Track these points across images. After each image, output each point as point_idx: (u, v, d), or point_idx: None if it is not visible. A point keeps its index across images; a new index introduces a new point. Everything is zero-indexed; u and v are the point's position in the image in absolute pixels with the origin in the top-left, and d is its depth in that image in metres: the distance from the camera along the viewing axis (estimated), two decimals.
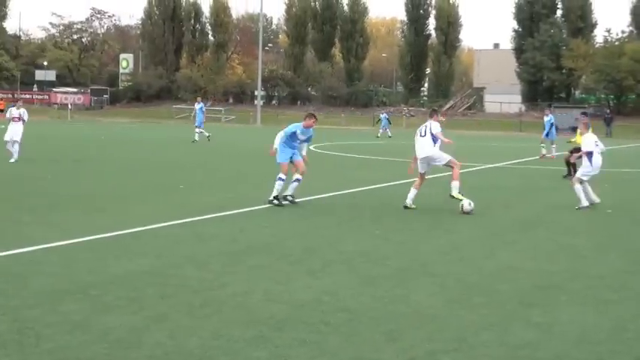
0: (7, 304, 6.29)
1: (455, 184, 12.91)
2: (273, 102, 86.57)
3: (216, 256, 8.50)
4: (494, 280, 7.69)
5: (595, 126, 61.56)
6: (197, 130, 33.04)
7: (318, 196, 14.31)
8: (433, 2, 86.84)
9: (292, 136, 13.18)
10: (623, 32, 76.57)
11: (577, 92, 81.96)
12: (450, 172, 13.36)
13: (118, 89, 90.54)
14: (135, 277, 7.41)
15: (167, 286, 7.01)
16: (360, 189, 15.91)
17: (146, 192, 14.99)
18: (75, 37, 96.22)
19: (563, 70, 75.47)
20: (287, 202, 12.89)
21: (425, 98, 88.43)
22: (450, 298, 6.90)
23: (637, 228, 11.89)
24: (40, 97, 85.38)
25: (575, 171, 19.11)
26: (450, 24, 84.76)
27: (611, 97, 74.54)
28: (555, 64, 74.49)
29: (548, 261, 8.81)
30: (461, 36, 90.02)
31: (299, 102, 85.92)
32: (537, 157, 26.77)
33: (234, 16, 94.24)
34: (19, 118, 20.84)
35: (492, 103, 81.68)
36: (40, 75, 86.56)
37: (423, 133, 13.27)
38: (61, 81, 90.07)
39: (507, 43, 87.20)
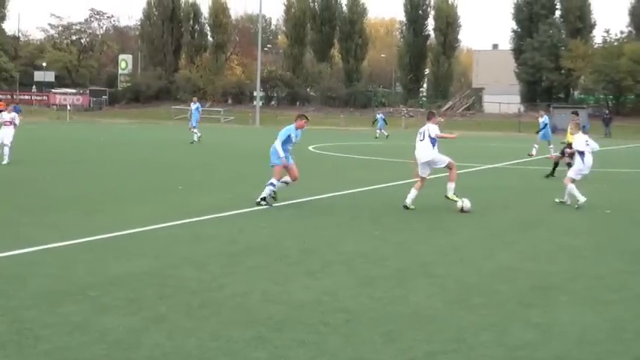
0: (6, 305, 6.28)
1: (451, 186, 13.10)
2: (272, 103, 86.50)
3: (214, 257, 8.50)
4: (494, 281, 7.69)
5: (594, 126, 61.64)
6: (194, 130, 33.02)
7: (318, 197, 14.31)
8: (432, 3, 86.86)
9: (287, 139, 13.21)
10: (621, 33, 76.66)
11: (576, 93, 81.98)
12: (448, 173, 13.42)
13: (117, 90, 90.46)
14: (133, 278, 7.40)
15: (166, 287, 7.01)
16: (359, 189, 15.90)
17: (145, 193, 14.99)
18: (74, 38, 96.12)
19: (562, 71, 75.49)
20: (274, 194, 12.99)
21: (424, 99, 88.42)
22: (449, 299, 6.90)
23: (636, 228, 11.90)
24: (38, 98, 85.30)
25: (555, 171, 19.35)
26: (448, 24, 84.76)
27: (610, 97, 74.58)
28: (554, 64, 74.53)
29: (547, 261, 8.81)
30: (460, 36, 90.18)
31: (298, 103, 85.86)
32: (533, 157, 26.76)
33: (233, 16, 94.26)
34: (11, 122, 20.81)
35: (491, 104, 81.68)
36: (38, 76, 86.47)
37: (422, 138, 13.36)
38: (59, 82, 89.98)
39: (506, 44, 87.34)
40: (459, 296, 7.02)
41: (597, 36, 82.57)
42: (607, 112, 66.37)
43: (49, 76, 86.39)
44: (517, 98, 79.31)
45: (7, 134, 20.62)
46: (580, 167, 13.87)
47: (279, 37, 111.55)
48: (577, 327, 6.08)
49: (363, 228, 10.96)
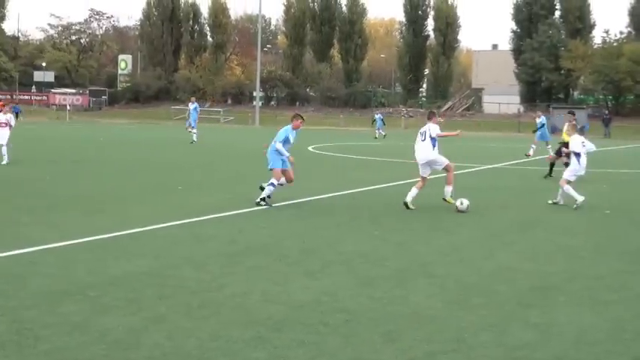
0: (6, 304, 6.29)
1: (448, 189, 13.28)
2: (272, 103, 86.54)
3: (214, 257, 8.50)
4: (493, 281, 7.70)
5: (593, 127, 61.54)
6: (193, 130, 33.00)
7: (317, 197, 14.31)
8: (432, 3, 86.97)
9: (285, 140, 13.22)
10: (621, 33, 76.73)
11: (575, 93, 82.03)
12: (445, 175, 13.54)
13: (117, 90, 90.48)
14: (133, 278, 7.41)
15: (165, 287, 7.01)
16: (358, 190, 15.91)
17: (145, 193, 14.99)
18: (73, 38, 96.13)
19: (562, 71, 75.54)
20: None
21: (423, 99, 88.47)
22: (449, 299, 6.91)
23: (635, 228, 11.90)
24: (38, 98, 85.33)
25: (552, 171, 19.44)
26: (448, 25, 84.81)
27: (610, 97, 74.62)
28: (554, 64, 74.58)
29: (546, 262, 8.81)
30: (459, 37, 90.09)
31: (298, 103, 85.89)
32: (530, 157, 26.76)
33: (232, 17, 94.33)
34: (6, 124, 20.79)
35: (491, 104, 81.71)
36: (38, 76, 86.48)
37: (423, 138, 13.43)
38: (59, 82, 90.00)
39: (506, 44, 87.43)
40: (459, 296, 7.02)
41: (597, 36, 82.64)
42: (606, 112, 66.41)
43: (49, 76, 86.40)
44: (517, 99, 79.37)
45: (2, 135, 20.61)
46: (576, 168, 13.92)
47: (278, 37, 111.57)
48: (576, 327, 6.09)
49: (362, 228, 10.97)
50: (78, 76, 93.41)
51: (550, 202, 14.19)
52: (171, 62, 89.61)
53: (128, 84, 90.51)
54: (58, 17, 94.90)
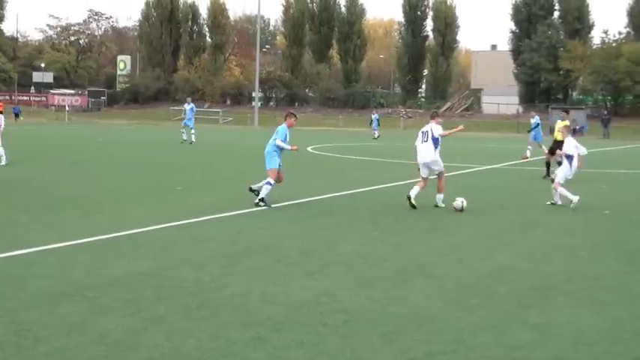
0: (5, 306, 6.29)
1: (440, 197, 13.47)
2: (271, 103, 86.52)
3: (213, 258, 8.50)
4: (492, 282, 7.70)
5: (592, 127, 61.48)
6: (191, 131, 32.97)
7: (316, 198, 14.31)
8: (430, 4, 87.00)
9: (285, 139, 13.32)
10: (620, 33, 76.82)
11: (574, 93, 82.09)
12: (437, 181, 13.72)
13: (116, 91, 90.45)
14: (132, 279, 7.40)
15: (164, 288, 7.01)
16: (358, 190, 15.91)
17: (144, 193, 14.99)
18: (72, 38, 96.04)
19: (561, 72, 75.58)
20: (256, 195, 13.09)
21: (422, 99, 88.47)
22: (448, 300, 6.91)
23: (634, 229, 11.90)
24: (37, 98, 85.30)
25: (550, 170, 19.50)
26: (447, 25, 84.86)
27: (609, 98, 74.68)
28: (553, 65, 74.62)
29: (545, 262, 8.82)
30: (458, 37, 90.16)
31: (297, 103, 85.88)
32: (523, 159, 26.75)
33: (231, 17, 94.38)
34: None
35: (490, 105, 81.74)
36: (37, 77, 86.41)
37: (425, 139, 13.49)
38: (58, 83, 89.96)
39: (505, 45, 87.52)
40: (458, 297, 7.02)
41: (596, 37, 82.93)
42: (605, 112, 66.43)
43: (48, 77, 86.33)
44: (515, 99, 79.42)
45: None
46: (567, 171, 14.05)
47: (277, 37, 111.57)
48: (575, 327, 6.09)
49: (361, 229, 10.97)
50: (77, 77, 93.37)
51: (548, 202, 14.21)
52: (170, 63, 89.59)
53: (127, 85, 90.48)
54: (56, 18, 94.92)
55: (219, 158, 26.32)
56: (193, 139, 32.43)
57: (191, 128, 33.05)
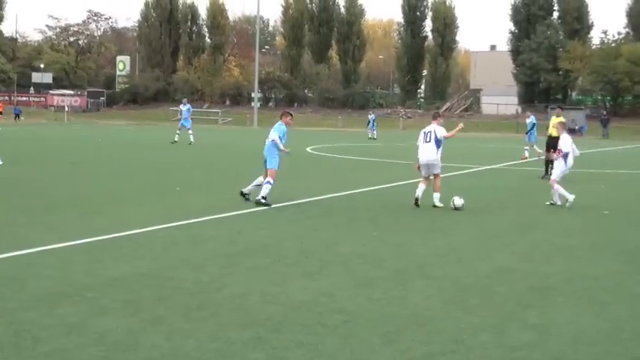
0: (4, 306, 6.28)
1: (437, 196, 13.51)
2: (270, 104, 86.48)
3: (213, 258, 8.50)
4: (492, 282, 7.70)
5: (592, 127, 61.45)
6: (189, 131, 32.97)
7: (316, 198, 14.32)
8: (430, 4, 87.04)
9: (282, 138, 13.40)
10: (619, 34, 76.88)
11: (574, 94, 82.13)
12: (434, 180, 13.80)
13: (115, 91, 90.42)
14: (131, 279, 7.40)
15: (164, 289, 7.01)
16: (357, 191, 15.92)
17: (143, 194, 14.98)
18: (71, 39, 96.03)
19: (560, 72, 75.61)
20: (246, 198, 13.26)
21: (422, 100, 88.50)
22: (447, 300, 6.91)
23: (633, 229, 11.91)
24: (36, 99, 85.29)
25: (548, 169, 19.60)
26: (446, 26, 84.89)
27: (608, 98, 74.70)
28: (552, 65, 74.65)
29: (544, 262, 8.82)
30: (457, 38, 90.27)
31: (296, 104, 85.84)
32: (527, 160, 26.79)
33: (230, 18, 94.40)
34: None
35: (489, 105, 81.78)
36: (36, 77, 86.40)
37: (428, 139, 13.57)
38: (57, 83, 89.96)
39: (504, 45, 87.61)
40: (457, 297, 7.03)
41: (595, 37, 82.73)
42: (605, 113, 66.43)
43: (47, 78, 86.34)
44: (515, 99, 79.47)
45: None
46: (562, 169, 14.08)
47: (276, 38, 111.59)
48: (574, 328, 6.10)
49: (361, 229, 10.97)
50: (76, 78, 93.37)
51: (548, 203, 14.21)
52: (170, 63, 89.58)
53: (126, 85, 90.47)
54: (56, 19, 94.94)
55: (218, 158, 26.32)
56: (192, 140, 32.41)
57: (188, 129, 33.03)
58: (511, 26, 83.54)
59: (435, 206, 13.35)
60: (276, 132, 13.33)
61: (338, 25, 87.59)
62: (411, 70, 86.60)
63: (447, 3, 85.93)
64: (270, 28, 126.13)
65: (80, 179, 17.47)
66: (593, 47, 76.34)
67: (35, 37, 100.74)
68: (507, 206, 14.17)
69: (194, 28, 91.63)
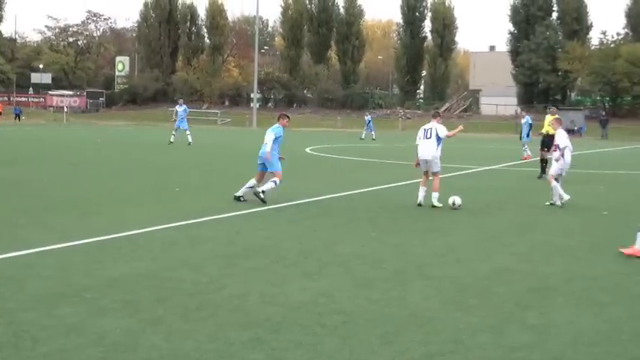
0: (3, 307, 6.28)
1: (435, 195, 13.51)
2: (269, 104, 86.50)
3: (212, 259, 8.50)
4: (491, 282, 7.70)
5: (591, 128, 61.50)
6: (187, 132, 32.98)
7: (315, 199, 14.32)
8: (429, 4, 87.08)
9: (279, 139, 13.48)
10: (618, 34, 76.90)
11: (573, 94, 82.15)
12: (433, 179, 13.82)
13: (114, 92, 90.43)
14: (131, 280, 7.40)
15: (163, 289, 7.01)
16: (356, 191, 15.92)
17: (142, 194, 14.98)
18: (71, 40, 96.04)
19: (559, 73, 75.65)
20: (242, 201, 13.36)
21: (421, 101, 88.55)
22: (446, 301, 6.91)
23: (632, 230, 11.87)
24: (35, 100, 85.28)
25: (544, 169, 19.65)
26: (445, 26, 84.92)
27: (607, 99, 74.73)
28: (551, 66, 74.67)
29: (544, 263, 8.82)
30: (457, 38, 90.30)
31: (295, 104, 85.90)
32: (523, 160, 26.82)
33: (229, 18, 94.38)
34: None
35: (488, 106, 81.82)
36: (35, 78, 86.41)
37: (428, 135, 13.63)
38: (56, 84, 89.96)
39: (503, 46, 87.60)
40: (456, 298, 7.03)
41: (594, 38, 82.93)
42: (604, 113, 66.50)
43: (46, 78, 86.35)
44: (514, 100, 79.50)
45: None
46: (562, 164, 14.02)
47: (276, 38, 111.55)
48: (574, 328, 6.10)
49: (360, 229, 10.97)
50: (75, 78, 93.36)
51: (547, 203, 14.21)
52: (169, 64, 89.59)
53: (125, 86, 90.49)
54: (55, 19, 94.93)
55: (217, 159, 26.33)
56: (190, 140, 32.42)
57: (185, 130, 33.03)
58: (510, 27, 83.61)
59: (433, 206, 13.35)
60: (273, 132, 13.42)
61: (337, 25, 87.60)
62: (410, 71, 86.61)
63: (446, 3, 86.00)
64: (270, 29, 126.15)
65: (79, 180, 17.46)
66: (593, 48, 76.39)
67: (34, 37, 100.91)
68: (506, 207, 14.17)
69: (193, 28, 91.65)
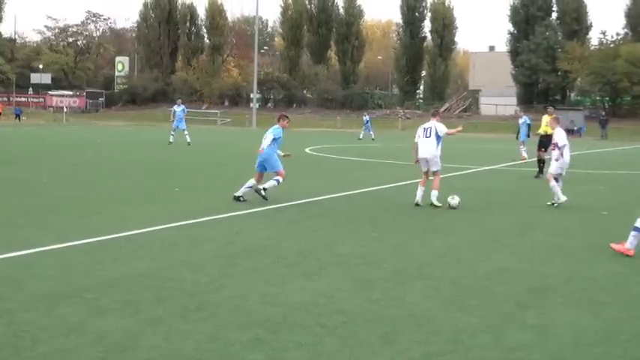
0: (3, 307, 6.28)
1: (434, 193, 13.50)
2: (269, 105, 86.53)
3: (211, 259, 8.49)
4: (491, 283, 7.70)
5: (590, 128, 61.47)
6: (185, 132, 33.00)
7: (315, 199, 14.32)
8: (428, 5, 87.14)
9: (278, 140, 13.57)
10: (617, 34, 76.92)
11: (572, 94, 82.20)
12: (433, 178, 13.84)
13: (114, 92, 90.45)
14: (130, 280, 7.40)
15: (163, 289, 7.01)
16: (356, 191, 15.92)
17: (142, 195, 14.98)
18: (70, 40, 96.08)
19: (559, 73, 75.69)
20: (241, 201, 13.44)
21: (420, 101, 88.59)
22: (446, 301, 6.91)
23: None
24: (35, 100, 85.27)
25: (542, 169, 19.69)
26: (445, 26, 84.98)
27: (607, 99, 74.76)
28: (551, 66, 74.71)
29: (543, 263, 8.82)
30: (456, 38, 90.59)
31: (294, 104, 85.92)
32: (522, 160, 26.81)
33: (229, 18, 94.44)
34: None
35: (488, 106, 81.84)
36: (35, 78, 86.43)
37: (428, 134, 13.62)
38: (56, 84, 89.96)
39: (503, 46, 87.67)
40: (456, 298, 7.03)
41: (593, 38, 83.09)
42: (603, 113, 66.51)
43: (46, 78, 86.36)
44: (513, 100, 79.53)
45: None
46: (561, 163, 13.97)
47: (275, 39, 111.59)
48: (573, 328, 6.10)
49: (360, 230, 10.97)
50: (75, 78, 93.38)
51: (549, 203, 14.18)
52: (168, 64, 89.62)
53: (125, 86, 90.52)
54: (54, 19, 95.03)
55: (217, 159, 26.32)
56: (189, 140, 32.44)
57: (184, 130, 33.05)
58: (510, 27, 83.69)
59: (432, 204, 13.34)
60: (272, 134, 13.48)
61: (337, 25, 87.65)
62: (409, 71, 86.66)
63: (446, 4, 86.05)
64: (269, 29, 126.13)
65: (79, 180, 17.46)
66: (592, 48, 76.44)
67: (34, 37, 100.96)
68: (506, 207, 14.17)
69: (193, 28, 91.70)
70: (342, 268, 8.22)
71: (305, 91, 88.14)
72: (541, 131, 20.25)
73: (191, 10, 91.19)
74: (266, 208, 12.78)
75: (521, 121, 27.75)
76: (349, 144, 39.35)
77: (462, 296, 7.08)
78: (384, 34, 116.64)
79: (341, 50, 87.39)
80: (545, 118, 19.64)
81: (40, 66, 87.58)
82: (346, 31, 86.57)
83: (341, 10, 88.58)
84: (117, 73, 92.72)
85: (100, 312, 6.19)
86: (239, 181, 14.14)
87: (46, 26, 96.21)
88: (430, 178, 13.81)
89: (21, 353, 5.17)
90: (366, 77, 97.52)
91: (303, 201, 13.92)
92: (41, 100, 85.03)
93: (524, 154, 27.20)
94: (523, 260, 8.95)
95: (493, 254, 9.33)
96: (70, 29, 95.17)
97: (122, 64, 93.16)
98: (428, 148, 13.59)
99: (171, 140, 32.58)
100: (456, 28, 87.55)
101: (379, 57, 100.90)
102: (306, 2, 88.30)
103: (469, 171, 22.28)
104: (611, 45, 72.90)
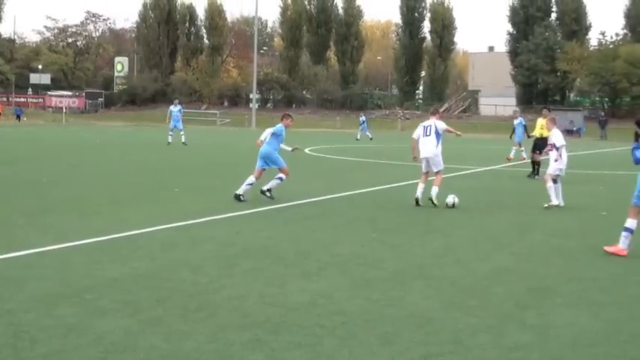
0: (2, 307, 6.28)
1: (435, 189, 13.49)
2: (269, 105, 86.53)
3: (211, 260, 8.49)
4: (490, 283, 7.70)
5: (590, 128, 61.45)
6: (181, 132, 33.03)
7: (314, 199, 14.32)
8: (428, 5, 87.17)
9: (279, 138, 13.61)
10: (617, 35, 76.95)
11: (572, 95, 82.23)
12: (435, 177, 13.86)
13: (113, 92, 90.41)
14: (130, 280, 7.40)
15: (162, 290, 7.00)
16: (355, 192, 15.92)
17: (141, 195, 14.98)
18: (70, 40, 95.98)
19: (558, 73, 75.71)
20: (242, 200, 13.48)
21: (420, 101, 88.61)
22: (446, 301, 6.91)
23: None
24: (34, 100, 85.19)
25: (538, 170, 19.69)
26: (444, 27, 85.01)
27: (606, 99, 74.78)
28: (550, 66, 74.74)
29: (543, 263, 8.82)
30: (456, 39, 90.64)
31: (294, 105, 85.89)
32: (522, 160, 26.80)
33: (229, 19, 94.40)
34: None
35: (487, 106, 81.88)
36: (34, 78, 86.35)
37: (427, 133, 13.59)
38: (55, 84, 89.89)
39: (502, 46, 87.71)
40: (456, 298, 7.03)
41: (593, 38, 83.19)
42: (603, 114, 66.53)
43: (45, 79, 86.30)
44: (513, 100, 79.53)
45: None
46: (560, 164, 13.94)
47: (275, 39, 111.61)
48: (573, 329, 6.10)
49: (359, 230, 10.97)
50: (74, 79, 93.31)
51: (545, 205, 14.09)
52: (168, 64, 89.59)
53: (124, 86, 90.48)
54: (54, 20, 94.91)
55: (216, 159, 26.32)
56: (183, 140, 32.50)
57: (180, 130, 33.09)
58: (509, 27, 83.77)
59: (430, 199, 13.31)
60: (271, 128, 13.61)
61: (336, 26, 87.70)
62: (409, 72, 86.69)
63: (445, 4, 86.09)
64: (269, 29, 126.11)
65: (78, 180, 17.45)
66: (591, 48, 76.49)
67: (33, 38, 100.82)
68: (506, 207, 14.17)
69: (192, 29, 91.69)
70: (342, 268, 8.22)
71: (304, 92, 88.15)
72: (536, 134, 20.26)
73: (190, 11, 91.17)
74: (266, 208, 12.78)
75: (516, 122, 27.71)
76: (349, 144, 39.35)
77: (461, 296, 7.09)
78: (384, 35, 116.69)
79: (340, 51, 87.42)
80: (540, 121, 19.64)
81: (40, 66, 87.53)
82: (346, 31, 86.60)
83: (340, 11, 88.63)
84: (116, 74, 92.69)
85: (99, 312, 6.19)
86: (239, 181, 14.14)
87: (45, 26, 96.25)
88: (431, 177, 13.79)
89: (20, 354, 5.17)
90: (365, 78, 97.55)
91: (303, 201, 13.92)
92: (40, 100, 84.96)
93: (524, 155, 27.19)
94: (522, 260, 8.95)
95: (492, 254, 9.34)
96: (70, 29, 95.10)
97: (121, 65, 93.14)
98: (428, 147, 13.56)
99: (169, 141, 32.60)
100: (456, 28, 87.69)
101: (378, 57, 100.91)
102: (306, 3, 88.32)
103: (469, 171, 22.28)
104: (611, 45, 72.94)
